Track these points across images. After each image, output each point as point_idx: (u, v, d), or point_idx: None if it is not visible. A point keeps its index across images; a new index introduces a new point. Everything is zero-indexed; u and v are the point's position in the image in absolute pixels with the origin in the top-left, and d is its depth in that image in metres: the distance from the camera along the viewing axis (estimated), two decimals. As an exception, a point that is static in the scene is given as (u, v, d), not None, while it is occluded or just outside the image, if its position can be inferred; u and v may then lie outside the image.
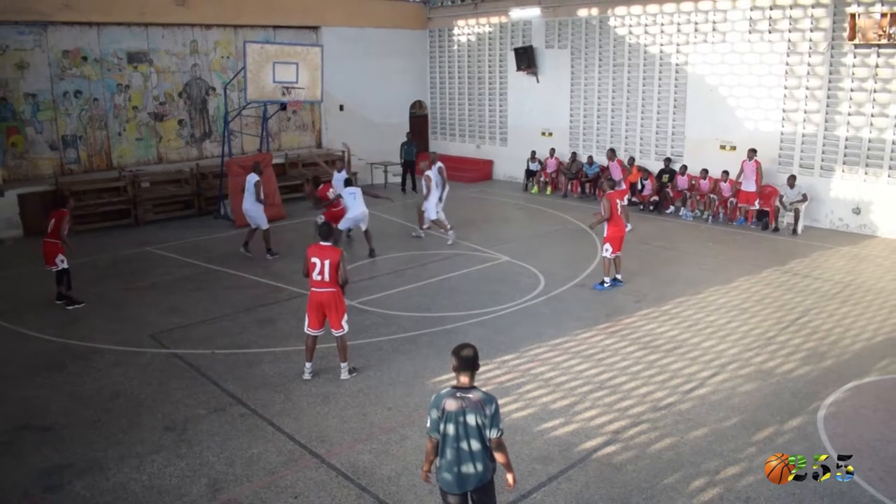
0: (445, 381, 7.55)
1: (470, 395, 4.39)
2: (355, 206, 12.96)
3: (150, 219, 16.24)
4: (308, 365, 7.97)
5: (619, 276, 11.23)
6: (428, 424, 4.50)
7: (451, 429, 4.39)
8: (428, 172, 14.06)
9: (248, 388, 7.81)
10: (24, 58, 15.58)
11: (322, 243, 7.73)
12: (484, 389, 4.53)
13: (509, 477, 4.63)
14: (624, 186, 15.49)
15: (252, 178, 13.13)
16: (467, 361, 4.44)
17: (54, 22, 15.76)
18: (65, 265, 10.40)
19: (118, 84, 17.03)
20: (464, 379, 4.44)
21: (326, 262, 7.58)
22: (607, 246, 10.98)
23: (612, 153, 15.94)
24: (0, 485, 6.05)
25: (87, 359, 8.63)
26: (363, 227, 13.19)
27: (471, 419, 4.36)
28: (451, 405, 4.38)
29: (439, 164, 14.38)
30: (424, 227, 14.43)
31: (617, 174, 15.68)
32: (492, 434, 4.38)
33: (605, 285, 11.04)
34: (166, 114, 17.94)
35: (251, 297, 10.94)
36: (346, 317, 7.87)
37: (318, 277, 7.63)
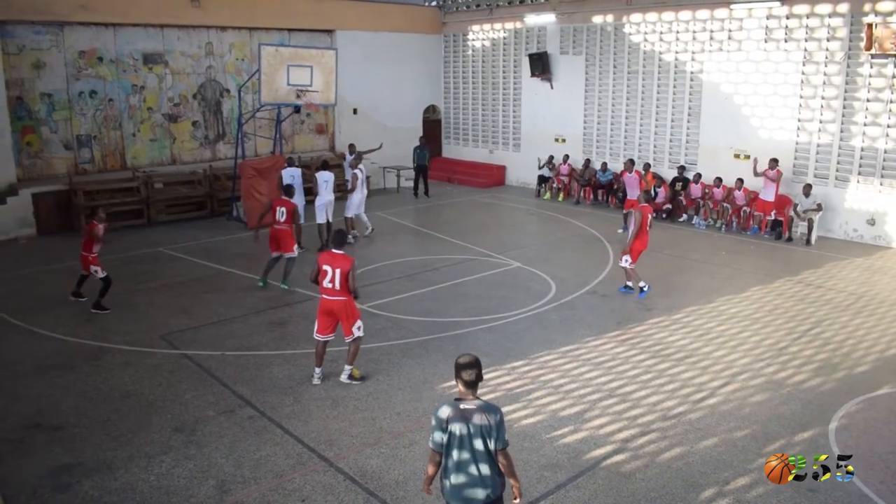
0: (454, 386, 7.49)
1: (472, 406, 4.32)
2: (324, 194, 13.35)
3: (162, 219, 16.34)
4: (318, 370, 7.96)
5: (629, 284, 11.16)
6: (431, 436, 4.41)
7: (454, 441, 4.30)
8: (356, 171, 14.29)
9: (258, 390, 7.83)
10: (41, 58, 15.71)
11: (334, 251, 7.66)
12: (488, 400, 4.48)
13: (514, 489, 4.49)
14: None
15: (295, 171, 14.10)
16: (469, 372, 4.36)
17: (70, 22, 15.90)
18: (100, 275, 10.25)
19: (133, 85, 17.15)
20: (466, 390, 4.38)
21: (337, 271, 7.51)
22: (627, 257, 10.82)
23: (630, 163, 15.49)
24: (10, 483, 6.09)
25: (98, 359, 8.68)
26: (329, 218, 13.44)
27: (474, 430, 4.27)
28: (453, 416, 4.30)
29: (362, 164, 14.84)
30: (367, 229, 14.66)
31: (633, 184, 15.44)
32: (496, 446, 4.28)
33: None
34: (180, 115, 18.04)
35: (262, 299, 10.97)
36: (359, 322, 7.78)
37: (329, 285, 7.58)
